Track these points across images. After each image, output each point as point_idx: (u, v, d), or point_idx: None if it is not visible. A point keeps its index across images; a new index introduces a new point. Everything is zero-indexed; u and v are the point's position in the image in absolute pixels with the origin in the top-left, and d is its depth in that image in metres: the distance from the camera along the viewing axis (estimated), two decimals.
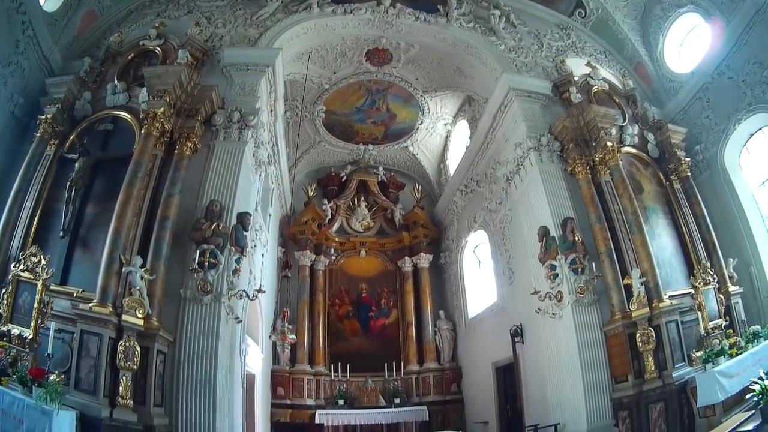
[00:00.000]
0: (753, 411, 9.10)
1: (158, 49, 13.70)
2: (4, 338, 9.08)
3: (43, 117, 12.25)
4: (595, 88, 15.61)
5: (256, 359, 15.73)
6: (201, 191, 12.09)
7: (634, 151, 14.83)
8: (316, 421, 17.87)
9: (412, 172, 25.15)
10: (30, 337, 9.03)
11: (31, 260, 9.56)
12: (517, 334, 15.58)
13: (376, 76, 19.06)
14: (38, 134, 12.15)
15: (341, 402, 19.36)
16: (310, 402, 19.34)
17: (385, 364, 20.58)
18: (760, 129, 14.19)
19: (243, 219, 12.15)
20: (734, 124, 14.45)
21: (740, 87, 14.10)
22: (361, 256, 23.20)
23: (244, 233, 12.08)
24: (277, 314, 19.17)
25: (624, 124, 15.14)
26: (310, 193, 22.74)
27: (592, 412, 11.79)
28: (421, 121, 21.93)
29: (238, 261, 11.73)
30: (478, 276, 21.06)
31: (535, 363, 14.48)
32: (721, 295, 12.72)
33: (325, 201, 23.16)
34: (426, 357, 21.17)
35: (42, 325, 9.10)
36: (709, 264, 13.07)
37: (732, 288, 13.21)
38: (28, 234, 11.01)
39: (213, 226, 11.39)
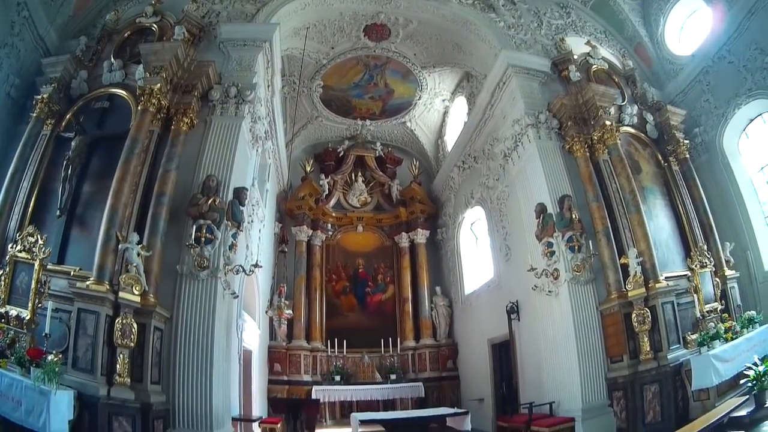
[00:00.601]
0: (747, 396, 9.17)
1: (154, 26, 13.54)
2: (2, 320, 9.18)
3: (40, 97, 12.15)
4: (594, 67, 15.50)
5: (253, 335, 15.76)
6: (198, 166, 12.05)
7: (632, 131, 14.81)
8: (313, 397, 17.93)
9: (409, 148, 25.08)
10: (28, 317, 9.12)
11: (28, 240, 9.64)
12: (513, 311, 15.60)
13: (375, 52, 18.90)
14: (34, 114, 12.06)
15: (338, 378, 19.52)
16: (306, 378, 19.51)
17: (382, 340, 20.76)
18: (760, 115, 14.18)
19: (239, 194, 12.12)
20: (734, 109, 14.43)
21: (741, 72, 14.06)
22: (358, 232, 23.23)
23: (241, 208, 12.10)
24: (274, 290, 19.18)
25: (623, 103, 15.10)
26: (308, 169, 22.68)
27: (587, 391, 11.86)
28: (419, 97, 21.80)
29: (234, 236, 11.74)
30: (475, 252, 21.14)
31: (530, 340, 14.54)
32: (717, 279, 12.88)
33: (323, 176, 23.13)
34: (422, 333, 21.30)
35: (39, 305, 9.19)
36: (705, 247, 13.20)
37: (728, 272, 13.30)
38: (25, 214, 10.96)
39: (209, 201, 11.35)
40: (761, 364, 9.84)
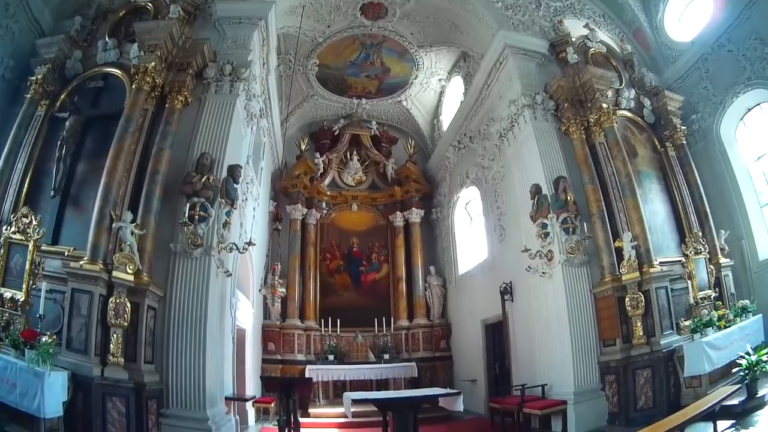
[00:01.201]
0: (739, 385, 9.22)
1: (149, 4, 13.32)
2: None
3: (34, 78, 12.05)
4: (592, 50, 15.48)
5: (246, 314, 15.78)
6: (192, 144, 11.99)
7: (629, 115, 14.80)
8: (306, 376, 17.88)
9: (405, 127, 24.99)
10: (22, 299, 9.06)
11: (23, 221, 9.53)
12: (506, 291, 15.63)
13: (371, 30, 18.76)
14: (29, 95, 11.95)
15: (331, 357, 19.60)
16: (300, 357, 19.58)
17: (375, 320, 20.84)
18: (758, 105, 14.16)
19: (233, 171, 12.07)
20: (732, 97, 14.44)
21: (740, 61, 14.03)
22: (352, 210, 23.17)
23: (235, 186, 12.03)
24: (267, 268, 19.20)
25: (620, 87, 15.09)
26: (303, 147, 22.63)
27: (580, 374, 11.96)
28: (416, 76, 21.69)
29: (228, 214, 11.68)
30: (469, 232, 21.09)
31: (524, 322, 14.60)
32: (711, 266, 12.90)
33: (318, 155, 23.04)
34: (416, 313, 21.35)
35: (34, 287, 9.12)
36: (700, 234, 13.20)
37: (723, 260, 13.37)
38: (19, 196, 10.90)
39: (203, 179, 11.29)
40: (754, 354, 9.90)
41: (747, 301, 12.32)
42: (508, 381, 15.01)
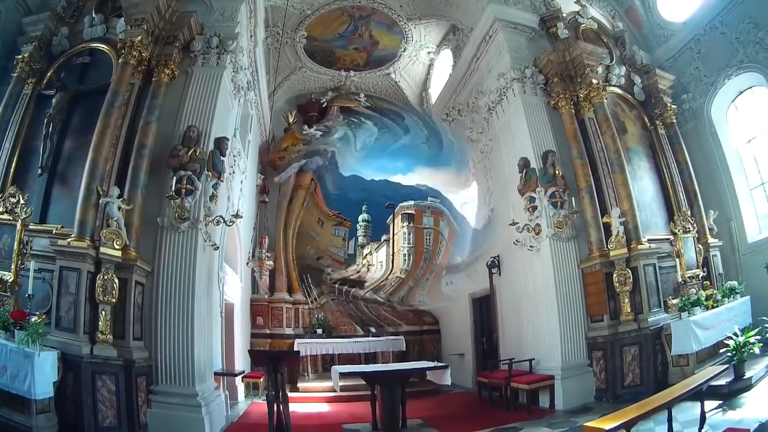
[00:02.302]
0: (726, 366, 9.28)
1: None
2: None
3: (20, 56, 11.87)
4: (583, 26, 15.38)
5: (234, 288, 15.80)
6: (178, 118, 11.89)
7: (619, 91, 14.81)
8: (295, 349, 17.91)
9: (393, 100, 24.69)
10: (11, 279, 9.07)
11: (10, 201, 9.52)
12: (494, 265, 15.72)
13: (360, 3, 18.55)
14: (15, 74, 11.80)
15: (319, 331, 19.58)
16: (289, 331, 19.57)
17: None
18: (750, 88, 14.23)
19: (220, 144, 12.01)
20: (724, 79, 14.54)
21: (733, 44, 14.06)
22: None
23: (222, 158, 11.99)
24: (255, 241, 19.13)
25: (611, 64, 15.05)
26: (290, 120, 22.39)
27: (567, 349, 12.08)
28: (404, 49, 21.45)
29: (215, 187, 11.66)
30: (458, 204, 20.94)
31: (511, 296, 14.71)
32: (699, 246, 13.04)
33: (305, 127, 22.70)
34: None
35: (22, 267, 9.13)
36: (689, 213, 13.31)
37: (711, 240, 13.49)
38: (7, 175, 10.77)
39: (190, 152, 11.24)
40: (742, 335, 10.00)
41: (735, 282, 12.49)
42: (495, 355, 15.11)
